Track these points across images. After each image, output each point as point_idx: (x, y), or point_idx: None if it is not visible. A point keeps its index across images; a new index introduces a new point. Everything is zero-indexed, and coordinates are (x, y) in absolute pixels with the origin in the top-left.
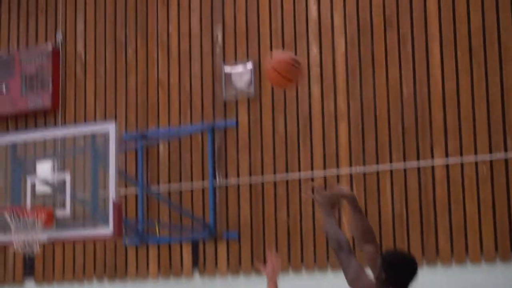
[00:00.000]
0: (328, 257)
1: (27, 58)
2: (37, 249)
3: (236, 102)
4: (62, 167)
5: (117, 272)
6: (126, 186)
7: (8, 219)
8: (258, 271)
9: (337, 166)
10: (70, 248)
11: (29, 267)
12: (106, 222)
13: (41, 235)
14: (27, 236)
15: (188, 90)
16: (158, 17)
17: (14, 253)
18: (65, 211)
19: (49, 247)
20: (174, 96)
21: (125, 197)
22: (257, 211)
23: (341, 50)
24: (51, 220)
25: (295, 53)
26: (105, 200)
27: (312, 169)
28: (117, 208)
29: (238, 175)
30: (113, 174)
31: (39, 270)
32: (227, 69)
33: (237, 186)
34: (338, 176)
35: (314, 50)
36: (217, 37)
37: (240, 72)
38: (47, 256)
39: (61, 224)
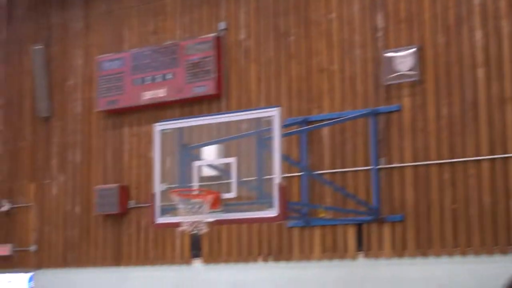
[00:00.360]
0: (496, 242)
1: (192, 47)
2: (204, 230)
3: (399, 87)
4: (227, 152)
5: (281, 253)
6: (289, 170)
7: (176, 202)
8: (423, 254)
9: (505, 151)
10: (236, 229)
11: (196, 248)
12: (271, 204)
13: (208, 217)
14: (195, 218)
15: (351, 76)
16: (319, 5)
17: (182, 234)
18: (231, 194)
19: (215, 228)
20: (336, 82)
21: (289, 180)
22: (422, 195)
23: (506, 33)
24: (218, 203)
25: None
26: (270, 183)
27: (478, 154)
28: (282, 190)
29: (401, 160)
30: (277, 158)
31: (205, 251)
32: (390, 54)
33: (401, 170)
34: (505, 161)
35: (479, 34)
36: (378, 23)
37: (403, 57)
38: (214, 237)
39: (227, 206)
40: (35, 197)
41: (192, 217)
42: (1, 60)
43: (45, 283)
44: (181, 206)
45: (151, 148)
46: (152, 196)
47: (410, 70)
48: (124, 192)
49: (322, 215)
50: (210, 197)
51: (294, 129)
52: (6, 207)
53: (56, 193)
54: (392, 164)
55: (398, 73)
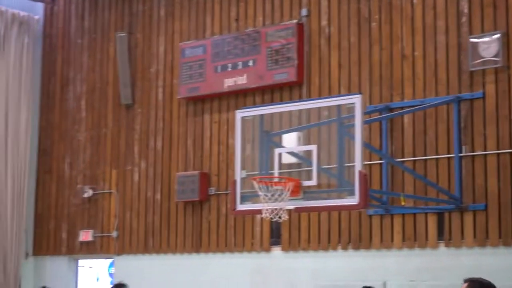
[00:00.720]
0: None
1: (273, 34)
2: (284, 218)
3: (483, 73)
4: (308, 139)
5: (361, 241)
6: (370, 158)
7: (257, 189)
8: (505, 244)
9: None
10: (316, 217)
11: (275, 235)
12: (352, 192)
13: (288, 205)
14: (275, 205)
15: (433, 62)
16: None
17: (262, 222)
18: (312, 181)
19: (295, 216)
20: (419, 68)
21: (370, 168)
22: (505, 183)
23: None
24: (298, 190)
25: None
26: (351, 171)
27: None
28: (363, 178)
29: (485, 147)
30: (358, 145)
31: (285, 238)
32: (474, 40)
33: (484, 158)
34: None
35: None
36: (463, 8)
37: (487, 42)
38: (293, 225)
39: (308, 194)
40: (117, 183)
41: (272, 205)
42: (85, 48)
43: (125, 269)
44: (261, 193)
45: (231, 135)
46: (233, 183)
47: (494, 56)
48: (205, 179)
49: (403, 203)
50: (290, 185)
51: (376, 116)
52: (88, 193)
53: (137, 179)
54: (475, 152)
55: (482, 59)
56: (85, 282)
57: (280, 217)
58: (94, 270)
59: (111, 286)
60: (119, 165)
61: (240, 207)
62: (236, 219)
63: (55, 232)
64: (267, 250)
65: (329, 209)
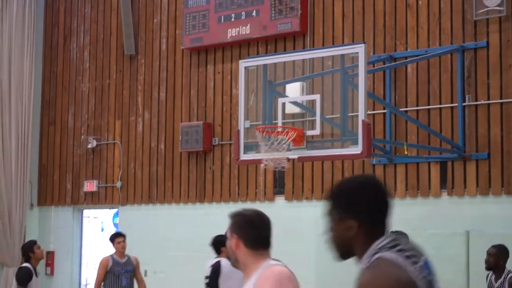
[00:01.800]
0: None
1: None
2: (287, 167)
3: (487, 23)
4: (311, 89)
5: None
6: (374, 107)
7: (260, 138)
8: (507, 193)
9: None
10: (319, 166)
11: (279, 185)
12: (355, 141)
13: (291, 154)
14: (278, 155)
15: (437, 11)
16: None
17: (265, 171)
18: (315, 131)
19: (298, 165)
20: (422, 18)
21: (373, 117)
22: (508, 133)
23: None
24: (301, 140)
25: None
26: (354, 121)
27: None
28: (366, 127)
29: (488, 97)
30: (362, 94)
31: (288, 188)
32: None
33: (487, 107)
34: None
35: None
36: None
37: None
38: (297, 174)
39: (311, 143)
40: (121, 134)
41: (276, 154)
42: None
43: (130, 219)
44: (265, 143)
45: (235, 85)
46: (236, 133)
47: (498, 5)
48: (208, 129)
49: (405, 152)
50: (294, 134)
51: (379, 66)
52: (92, 144)
53: (141, 130)
54: (478, 101)
55: (486, 9)
56: (90, 232)
57: (283, 167)
58: (98, 220)
59: (111, 235)
60: (122, 115)
61: (244, 156)
62: (240, 169)
63: (59, 183)
64: (271, 199)
65: (332, 158)
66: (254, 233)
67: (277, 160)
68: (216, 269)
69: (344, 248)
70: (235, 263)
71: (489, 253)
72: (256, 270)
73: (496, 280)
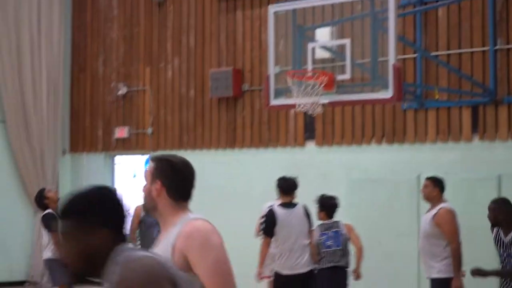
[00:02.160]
0: None
1: None
2: (319, 111)
3: None
4: (341, 33)
5: (395, 135)
6: (404, 52)
7: (291, 83)
8: None
9: None
10: (349, 111)
11: (309, 130)
12: (386, 86)
13: (322, 99)
14: (309, 100)
15: None
16: None
17: (296, 117)
18: (345, 75)
19: (328, 110)
20: None
21: (404, 62)
22: None
23: None
24: (332, 84)
25: None
26: (385, 65)
27: None
28: (397, 71)
29: None
30: (392, 38)
31: (319, 133)
32: None
33: None
34: None
35: None
36: None
37: None
38: (327, 120)
39: (342, 88)
40: (151, 80)
41: (306, 99)
42: None
43: None
44: (295, 87)
45: (264, 30)
46: (266, 78)
47: None
48: (238, 75)
49: (436, 96)
50: (324, 79)
51: (410, 9)
52: (122, 90)
53: (171, 76)
54: (509, 44)
55: None
56: (121, 178)
57: (314, 111)
58: (130, 166)
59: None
60: (152, 62)
61: (274, 102)
62: (270, 115)
63: (90, 129)
64: (301, 145)
65: (363, 103)
66: (180, 183)
67: (310, 104)
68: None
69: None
70: (152, 211)
71: (489, 208)
72: (174, 224)
73: (505, 235)
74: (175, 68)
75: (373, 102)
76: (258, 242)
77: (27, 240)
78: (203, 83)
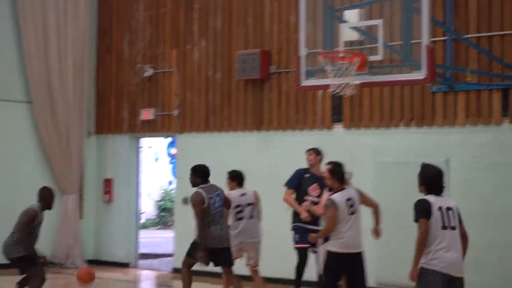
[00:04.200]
0: None
1: None
2: (349, 93)
3: None
4: (372, 14)
5: (424, 118)
6: (434, 34)
7: (321, 65)
8: None
9: None
10: (378, 94)
11: (337, 112)
12: (418, 67)
13: (353, 80)
14: (340, 81)
15: None
16: None
17: (324, 99)
18: (377, 56)
19: (356, 93)
20: None
21: (434, 44)
22: None
23: None
24: (363, 65)
25: None
26: (416, 46)
27: None
28: (430, 52)
29: None
30: (425, 19)
31: (347, 115)
32: None
33: None
34: None
35: None
36: None
37: None
38: (355, 102)
39: (373, 69)
40: (177, 62)
41: (338, 80)
42: None
43: (187, 147)
44: (326, 68)
45: (292, 12)
46: (297, 59)
47: None
48: (265, 57)
49: (468, 78)
50: (355, 60)
51: None
52: (149, 72)
53: (197, 58)
54: None
55: None
56: (144, 162)
57: (344, 93)
58: (153, 150)
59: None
60: (178, 44)
61: (305, 82)
62: (297, 97)
63: (116, 111)
64: (329, 127)
65: (396, 84)
66: None
67: (340, 86)
68: None
69: None
70: None
71: None
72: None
73: None
74: (202, 50)
75: (407, 83)
76: (280, 223)
77: (52, 221)
78: (230, 65)
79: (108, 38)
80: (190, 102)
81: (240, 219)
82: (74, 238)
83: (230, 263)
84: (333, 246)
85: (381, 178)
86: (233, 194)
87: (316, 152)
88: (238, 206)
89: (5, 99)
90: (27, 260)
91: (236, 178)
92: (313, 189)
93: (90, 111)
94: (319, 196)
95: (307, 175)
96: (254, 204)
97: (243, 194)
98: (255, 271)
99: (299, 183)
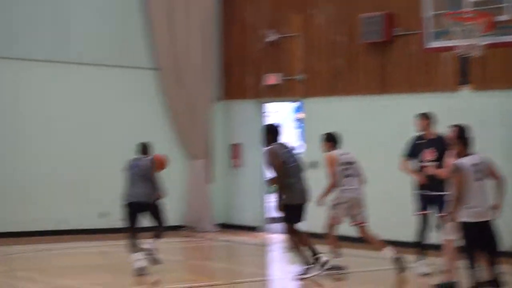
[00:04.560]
0: None
1: None
2: (477, 54)
3: None
4: None
5: None
6: None
7: (448, 26)
8: None
9: None
10: (504, 55)
11: (464, 74)
12: None
13: (481, 40)
14: (468, 41)
15: None
16: None
17: (450, 61)
18: (505, 16)
19: (483, 55)
20: None
21: None
22: None
23: None
24: (491, 26)
25: None
26: None
27: None
28: None
29: None
30: None
31: (474, 78)
32: None
33: None
34: None
35: None
36: None
37: None
38: (483, 64)
39: (501, 29)
40: (301, 27)
41: (465, 41)
42: None
43: (311, 112)
44: (453, 29)
45: None
46: (422, 20)
47: None
48: (390, 20)
49: None
50: (483, 20)
51: None
52: (272, 37)
53: (321, 22)
54: None
55: None
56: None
57: (472, 54)
58: (279, 114)
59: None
60: (302, 9)
61: (431, 44)
62: (422, 59)
63: (241, 77)
64: (455, 90)
65: None
66: None
67: (468, 47)
68: None
69: None
70: None
71: None
72: None
73: None
74: (326, 14)
75: None
76: (402, 188)
77: (182, 186)
78: (353, 28)
79: (232, 5)
80: (314, 66)
81: (347, 176)
82: (204, 202)
83: None
84: (462, 216)
85: (509, 139)
86: (336, 154)
87: (425, 117)
88: (345, 163)
89: (134, 66)
90: None
91: (332, 139)
92: (430, 153)
93: (216, 77)
94: (437, 160)
95: (421, 141)
96: (355, 162)
97: (344, 154)
98: (363, 229)
99: (413, 151)
